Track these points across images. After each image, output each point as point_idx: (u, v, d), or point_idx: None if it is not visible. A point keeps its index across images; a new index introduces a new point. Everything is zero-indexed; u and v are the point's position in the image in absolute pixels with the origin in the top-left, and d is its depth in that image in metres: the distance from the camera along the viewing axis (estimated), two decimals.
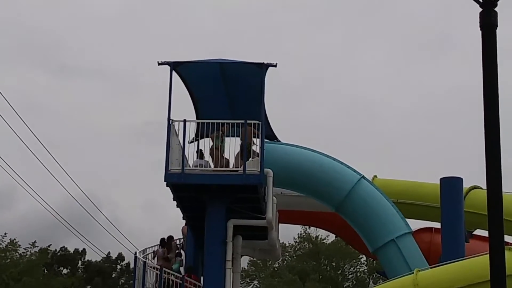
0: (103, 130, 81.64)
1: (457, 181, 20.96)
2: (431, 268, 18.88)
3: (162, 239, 21.69)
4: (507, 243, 19.54)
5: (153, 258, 21.21)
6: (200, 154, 19.82)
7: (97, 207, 41.74)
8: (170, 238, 22.10)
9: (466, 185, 22.21)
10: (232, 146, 19.78)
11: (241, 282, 54.69)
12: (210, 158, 19.56)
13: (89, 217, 40.22)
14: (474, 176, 21.81)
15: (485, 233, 22.04)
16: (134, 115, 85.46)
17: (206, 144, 19.83)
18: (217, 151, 19.32)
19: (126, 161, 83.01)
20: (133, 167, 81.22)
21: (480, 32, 8.84)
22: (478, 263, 17.01)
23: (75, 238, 56.53)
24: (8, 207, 72.72)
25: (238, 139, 19.71)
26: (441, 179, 21.05)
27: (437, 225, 22.53)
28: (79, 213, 40.73)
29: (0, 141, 49.62)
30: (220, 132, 19.40)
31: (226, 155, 19.68)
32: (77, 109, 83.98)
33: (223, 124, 19.45)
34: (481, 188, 22.88)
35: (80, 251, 61.20)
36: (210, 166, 19.47)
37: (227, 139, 19.86)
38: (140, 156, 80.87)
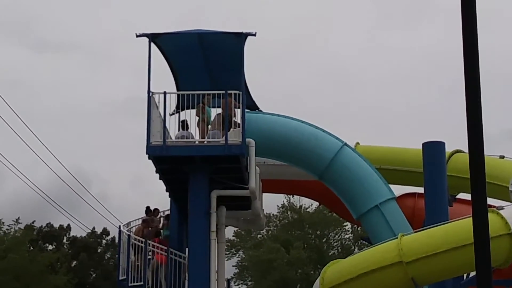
0: (85, 105, 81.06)
1: (440, 145, 20.98)
2: (415, 232, 18.95)
3: (148, 208, 21.71)
4: (490, 206, 19.66)
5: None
6: (183, 126, 19.72)
7: (81, 183, 41.53)
8: (156, 210, 22.06)
9: (448, 149, 22.25)
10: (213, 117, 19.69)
11: (226, 253, 55.04)
12: (198, 131, 19.46)
13: (73, 193, 40.09)
14: (456, 140, 21.87)
15: (468, 197, 22.14)
16: (114, 89, 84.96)
17: (187, 116, 19.75)
18: (203, 123, 19.25)
19: (111, 136, 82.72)
20: (118, 142, 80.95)
21: None
22: (462, 226, 17.09)
23: (60, 214, 56.34)
24: None
25: (219, 110, 19.61)
26: (424, 144, 21.06)
27: (421, 190, 22.60)
28: (64, 190, 40.60)
29: None
30: (201, 104, 19.28)
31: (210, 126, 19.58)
32: (57, 85, 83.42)
33: (203, 95, 19.34)
34: (463, 152, 22.92)
35: (65, 227, 61.09)
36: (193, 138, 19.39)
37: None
38: (124, 131, 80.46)
